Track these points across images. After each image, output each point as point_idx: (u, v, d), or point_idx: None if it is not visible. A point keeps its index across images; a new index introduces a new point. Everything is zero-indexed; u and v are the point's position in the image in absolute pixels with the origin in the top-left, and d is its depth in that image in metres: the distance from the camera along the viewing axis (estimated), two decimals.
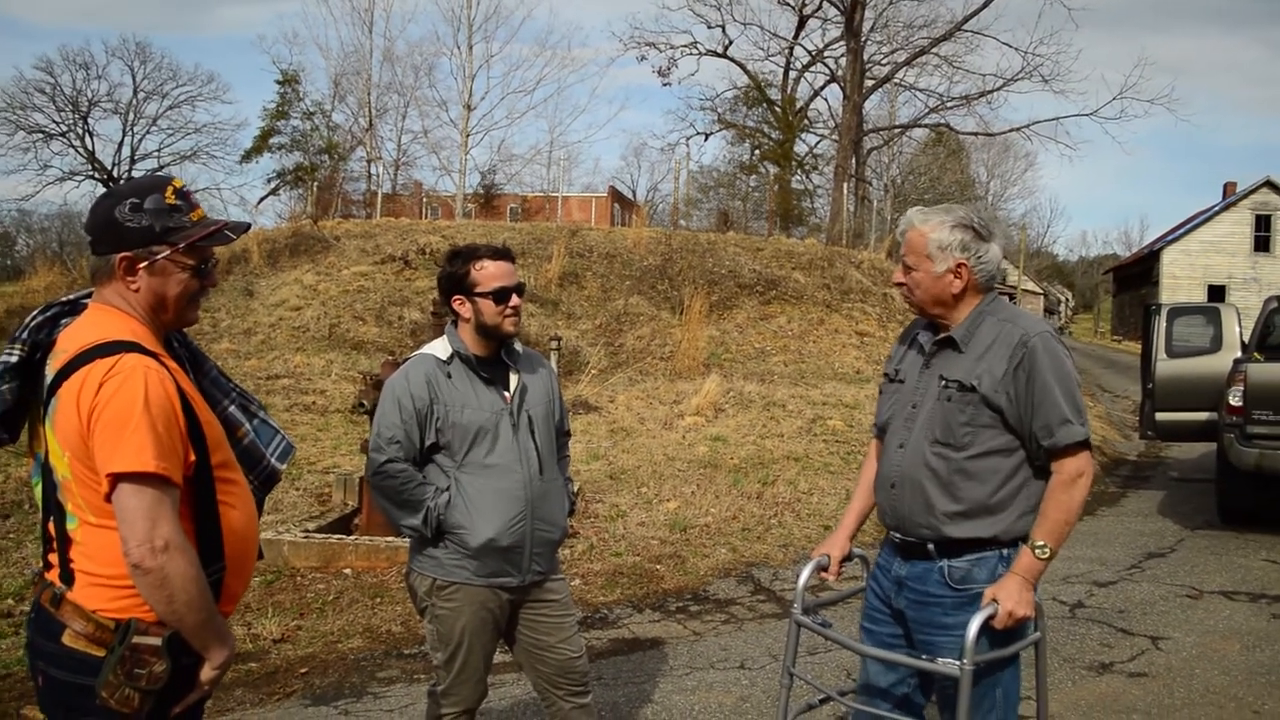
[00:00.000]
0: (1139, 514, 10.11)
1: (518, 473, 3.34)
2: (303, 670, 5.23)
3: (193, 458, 2.19)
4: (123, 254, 2.22)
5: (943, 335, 3.01)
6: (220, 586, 2.26)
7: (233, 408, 2.46)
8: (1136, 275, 49.58)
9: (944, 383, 2.94)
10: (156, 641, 2.14)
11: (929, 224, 2.97)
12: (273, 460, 2.49)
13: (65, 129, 48.07)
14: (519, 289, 3.39)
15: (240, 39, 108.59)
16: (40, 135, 47.26)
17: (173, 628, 2.14)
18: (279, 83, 42.35)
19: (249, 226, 2.35)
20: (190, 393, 2.25)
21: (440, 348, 3.41)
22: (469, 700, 3.42)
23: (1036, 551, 2.81)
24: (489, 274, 3.35)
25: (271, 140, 42.65)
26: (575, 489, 8.32)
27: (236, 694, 4.91)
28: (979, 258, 2.94)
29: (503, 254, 3.43)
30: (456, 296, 3.40)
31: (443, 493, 3.29)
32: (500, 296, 3.34)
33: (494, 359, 3.44)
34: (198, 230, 2.28)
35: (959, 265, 2.93)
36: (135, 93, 50.00)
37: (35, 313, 2.33)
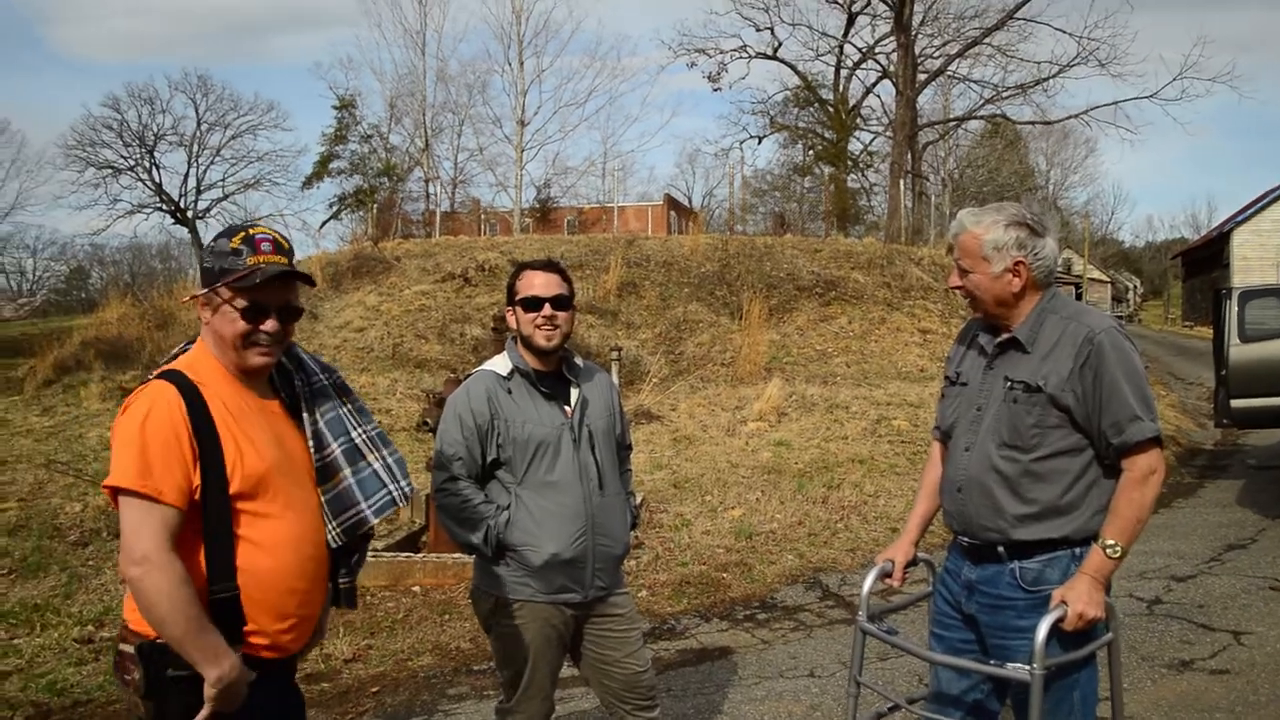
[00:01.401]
0: (1217, 504, 9.86)
1: (578, 488, 3.34)
2: (374, 689, 5.28)
3: (197, 482, 2.26)
4: (197, 292, 2.41)
5: (1006, 336, 2.96)
6: (238, 611, 2.31)
7: (338, 453, 2.51)
8: (1206, 259, 48.33)
9: (1009, 384, 2.89)
10: (130, 649, 2.26)
11: (981, 225, 2.91)
12: (366, 510, 2.50)
13: (133, 163, 49.45)
14: (556, 300, 3.37)
15: (297, 67, 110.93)
16: (109, 171, 48.68)
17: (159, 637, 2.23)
18: (336, 108, 43.16)
19: (286, 271, 2.39)
20: (223, 422, 2.33)
21: (500, 363, 3.44)
22: (536, 717, 3.42)
23: (1107, 550, 2.74)
24: (526, 283, 3.40)
25: (331, 165, 43.41)
26: (639, 502, 8.32)
27: (310, 714, 4.97)
28: (1036, 254, 2.89)
29: (548, 266, 3.46)
30: (508, 307, 3.45)
31: (503, 511, 3.30)
32: (529, 305, 3.36)
33: (555, 373, 3.46)
34: (238, 273, 2.37)
35: (1017, 263, 2.88)
36: (199, 125, 51.26)
37: (182, 344, 2.55)
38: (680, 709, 4.92)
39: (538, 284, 3.39)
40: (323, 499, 2.47)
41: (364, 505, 2.50)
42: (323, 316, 17.69)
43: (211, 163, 52.08)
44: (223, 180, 52.26)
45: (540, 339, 3.36)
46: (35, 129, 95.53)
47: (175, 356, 2.48)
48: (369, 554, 6.98)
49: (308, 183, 45.19)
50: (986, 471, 2.91)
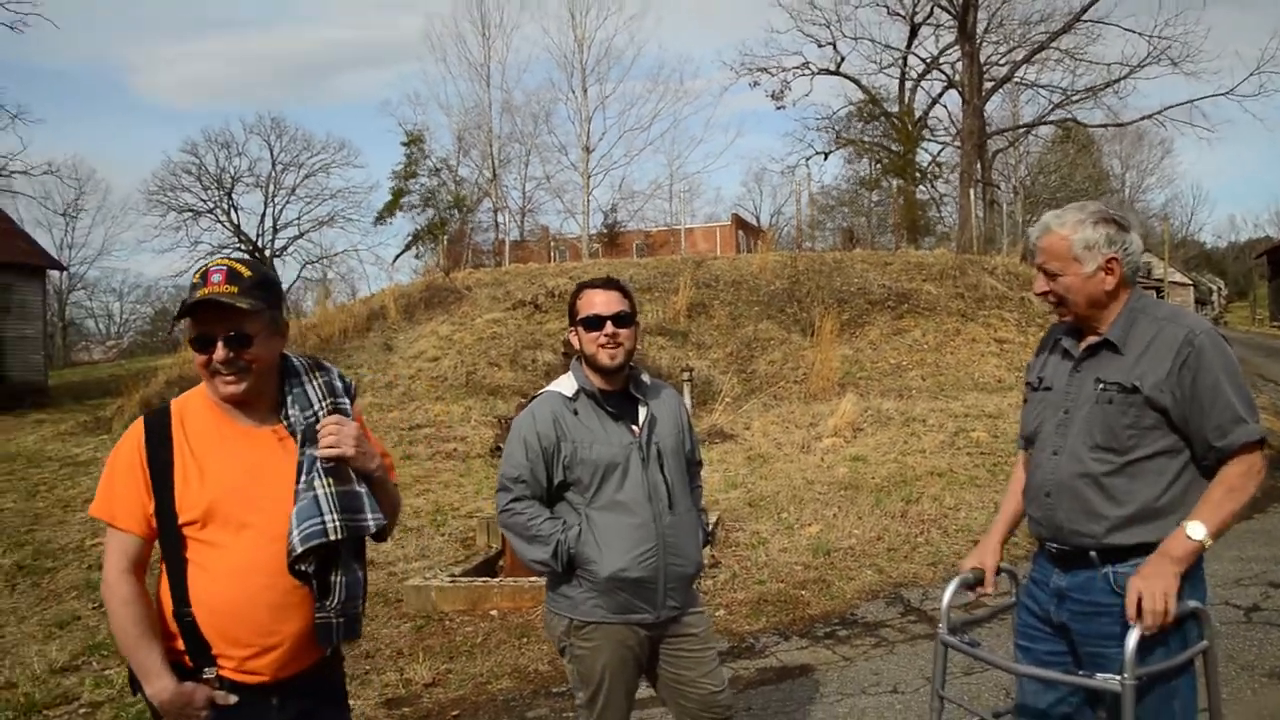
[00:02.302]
0: None
1: (648, 508, 3.29)
2: (454, 713, 5.29)
3: (151, 510, 2.42)
4: (180, 328, 2.49)
5: (1096, 339, 2.87)
6: (199, 634, 2.41)
7: (300, 486, 2.49)
8: None
9: (1101, 385, 2.81)
10: None
11: (1068, 225, 2.84)
12: (294, 536, 2.44)
13: (212, 206, 51.21)
14: (618, 318, 3.33)
15: (366, 105, 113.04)
16: (190, 214, 50.46)
17: None
18: (405, 144, 43.92)
19: (201, 303, 2.42)
20: (180, 453, 2.45)
21: (566, 384, 3.40)
22: None
23: (1189, 531, 2.64)
24: (586, 302, 3.36)
25: (402, 200, 44.21)
26: (714, 520, 8.21)
27: None
28: (1126, 249, 2.83)
29: (607, 284, 3.41)
30: (571, 328, 3.42)
31: (572, 527, 3.27)
32: (590, 324, 3.32)
33: (621, 392, 3.42)
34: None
35: (1109, 260, 2.80)
36: (273, 165, 52.92)
37: None
38: None
39: (598, 302, 3.35)
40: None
41: (294, 532, 2.43)
42: (397, 348, 17.96)
43: (287, 202, 53.64)
44: (298, 219, 53.78)
45: (604, 358, 3.31)
46: (118, 176, 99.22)
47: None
48: (447, 579, 7.07)
49: (379, 219, 46.06)
50: (1078, 475, 2.82)
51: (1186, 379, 2.70)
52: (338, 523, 2.46)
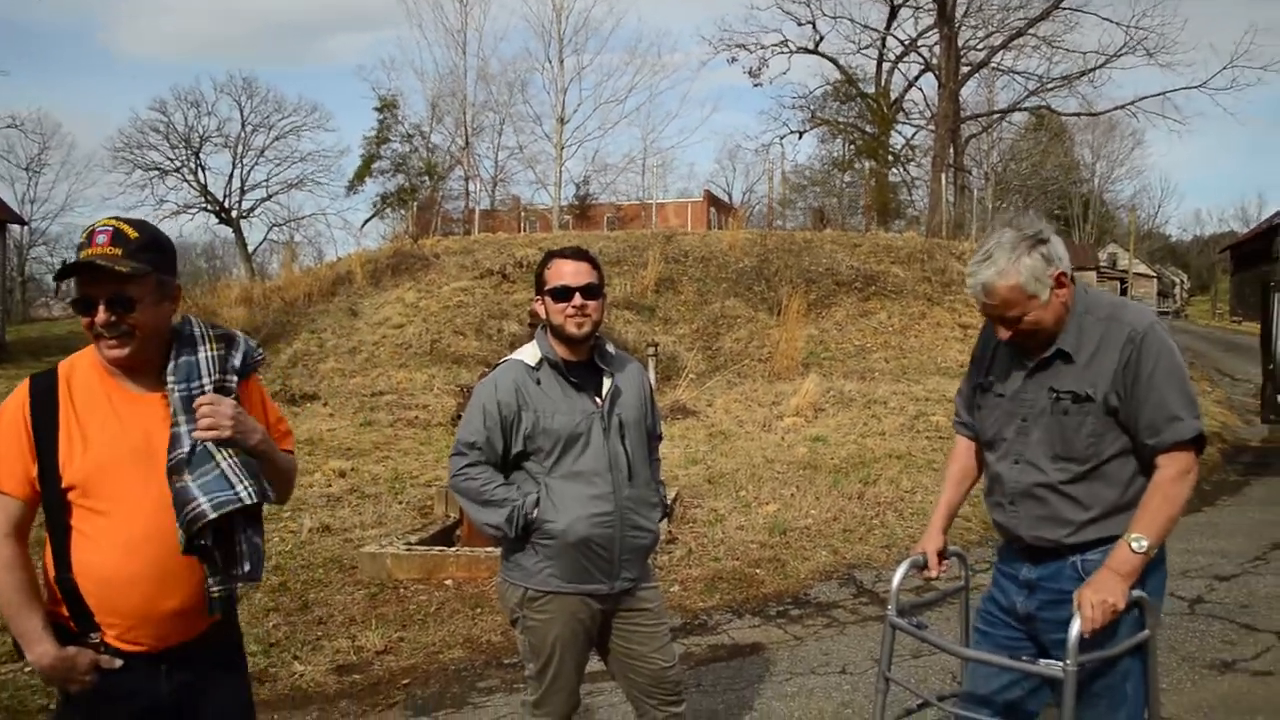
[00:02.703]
0: (1262, 503, 9.66)
1: (608, 478, 3.28)
2: (405, 681, 5.29)
3: (34, 474, 2.38)
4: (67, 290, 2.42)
5: (1051, 351, 2.84)
6: (79, 598, 2.38)
7: (184, 456, 2.40)
8: (1255, 253, 47.52)
9: (1055, 395, 2.81)
10: None
11: (1008, 272, 2.74)
12: (204, 503, 2.36)
13: (179, 165, 50.31)
14: (586, 289, 3.29)
15: (340, 68, 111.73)
16: (156, 172, 49.60)
17: None
18: (378, 109, 43.46)
19: (79, 265, 2.34)
20: (65, 417, 2.39)
21: (529, 353, 3.36)
22: (561, 711, 3.38)
23: (1133, 545, 2.66)
24: (555, 273, 3.32)
25: (373, 165, 43.80)
26: (673, 495, 8.21)
27: (341, 705, 5.00)
28: (1061, 258, 2.80)
29: (576, 254, 3.37)
30: (536, 297, 3.39)
31: (530, 494, 3.25)
32: (559, 295, 3.28)
33: (586, 363, 3.38)
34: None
35: (1058, 276, 2.77)
36: (243, 126, 52.09)
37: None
38: (710, 705, 4.88)
39: (567, 273, 3.31)
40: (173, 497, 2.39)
41: (202, 500, 2.36)
42: (362, 313, 17.83)
43: (255, 163, 52.87)
44: (266, 180, 53.05)
45: (571, 328, 3.27)
46: (84, 132, 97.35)
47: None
48: (403, 547, 7.05)
49: (351, 188, 45.65)
50: (1040, 485, 2.84)
51: (1129, 378, 2.72)
52: (250, 489, 2.42)
